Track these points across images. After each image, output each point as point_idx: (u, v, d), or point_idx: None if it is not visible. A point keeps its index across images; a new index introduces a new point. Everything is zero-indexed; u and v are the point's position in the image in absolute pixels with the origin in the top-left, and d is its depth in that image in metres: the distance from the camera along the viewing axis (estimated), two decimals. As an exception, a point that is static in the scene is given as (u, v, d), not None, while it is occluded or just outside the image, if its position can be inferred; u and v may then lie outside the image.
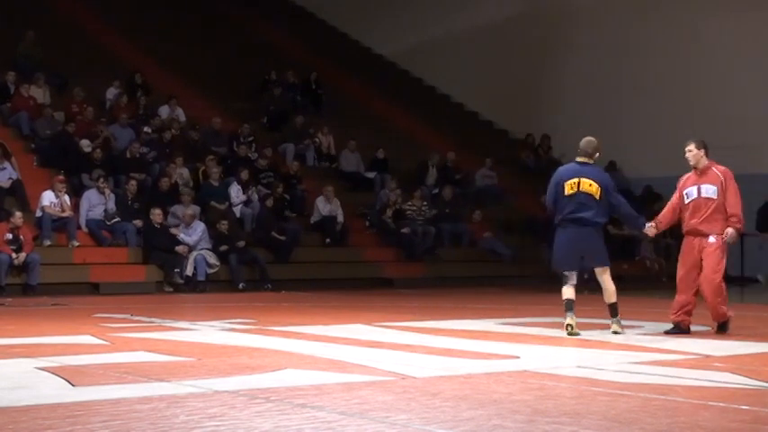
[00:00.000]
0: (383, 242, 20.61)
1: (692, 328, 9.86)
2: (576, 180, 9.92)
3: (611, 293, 9.99)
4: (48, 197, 17.11)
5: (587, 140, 10.21)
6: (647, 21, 25.28)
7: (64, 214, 17.16)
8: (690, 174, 10.14)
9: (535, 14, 27.50)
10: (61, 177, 17.59)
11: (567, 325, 9.72)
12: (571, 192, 9.90)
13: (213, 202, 18.95)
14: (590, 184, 9.92)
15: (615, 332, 9.82)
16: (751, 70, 23.52)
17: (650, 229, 10.33)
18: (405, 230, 20.31)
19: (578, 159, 10.08)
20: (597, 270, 10.15)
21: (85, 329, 10.07)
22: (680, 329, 9.77)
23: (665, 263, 22.40)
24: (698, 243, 9.88)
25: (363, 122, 25.39)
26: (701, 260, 9.83)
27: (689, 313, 9.86)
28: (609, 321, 10.03)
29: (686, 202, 10.02)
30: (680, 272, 10.06)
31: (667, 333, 9.78)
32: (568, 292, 9.93)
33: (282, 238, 18.81)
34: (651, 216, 27.00)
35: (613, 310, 9.98)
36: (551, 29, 27.13)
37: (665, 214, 10.26)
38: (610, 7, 26.21)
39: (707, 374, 7.01)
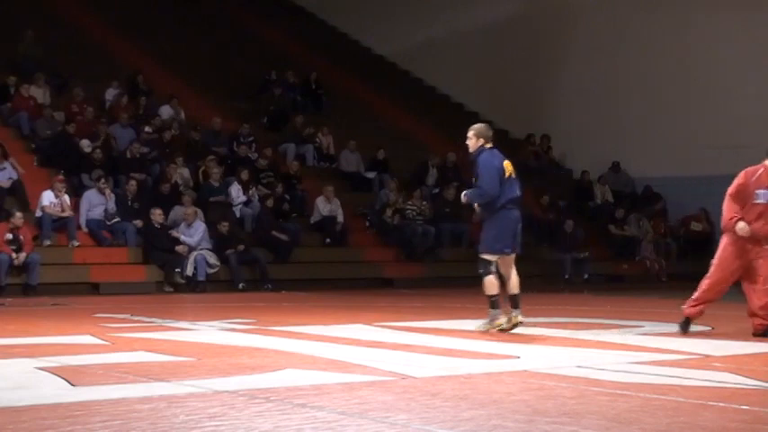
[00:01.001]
0: (383, 242, 20.61)
1: (692, 328, 9.84)
2: (506, 163, 9.93)
3: (516, 284, 9.84)
4: (47, 197, 17.11)
5: (486, 126, 10.16)
6: (648, 21, 25.28)
7: (64, 214, 17.16)
8: (761, 171, 9.36)
9: (535, 14, 27.50)
10: (61, 177, 17.60)
11: (500, 328, 9.50)
12: (508, 175, 9.90)
13: (213, 200, 18.97)
14: (510, 165, 10.01)
15: (519, 323, 9.68)
16: (751, 70, 23.52)
17: (743, 229, 9.23)
18: (402, 227, 20.33)
19: (489, 145, 9.94)
20: (512, 256, 9.93)
21: (85, 329, 10.07)
22: (688, 323, 9.58)
23: (664, 263, 22.44)
24: (752, 249, 9.35)
25: (363, 122, 25.39)
26: (745, 267, 9.38)
27: (702, 312, 9.67)
28: (513, 314, 9.74)
29: (755, 201, 9.32)
30: (718, 270, 9.44)
31: (681, 329, 9.59)
32: (496, 284, 9.72)
33: (284, 237, 18.79)
34: (652, 215, 26.80)
35: (515, 302, 9.76)
36: (551, 29, 27.13)
37: (737, 209, 9.33)
38: (610, 7, 26.21)
39: (707, 374, 7.00)
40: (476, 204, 10.09)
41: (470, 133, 10.02)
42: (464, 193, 10.10)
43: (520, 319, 9.77)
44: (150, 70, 23.86)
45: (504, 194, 9.86)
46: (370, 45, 30.64)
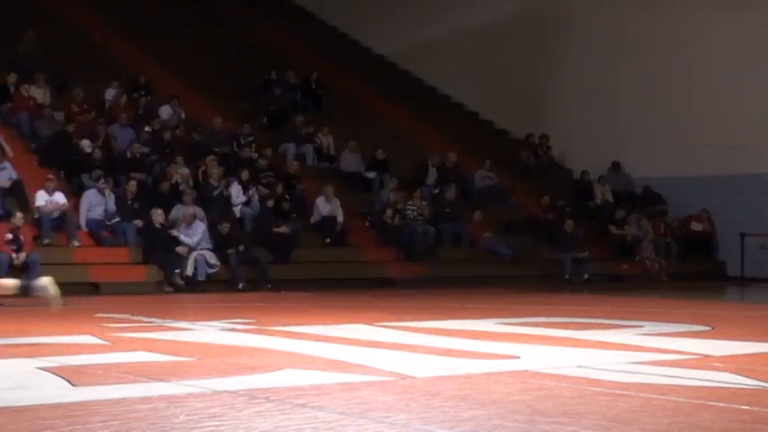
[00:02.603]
0: (383, 242, 20.61)
1: (692, 327, 9.84)
2: None
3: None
4: (42, 197, 17.13)
5: None
6: (648, 21, 25.29)
7: (63, 204, 17.11)
8: None
9: (535, 15, 27.50)
10: (49, 176, 17.56)
11: None
12: None
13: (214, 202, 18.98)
14: None
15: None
16: (751, 70, 23.52)
17: None
18: (402, 227, 20.31)
19: None
20: None
21: (85, 329, 10.07)
22: None
23: (665, 263, 22.44)
24: None
25: (363, 122, 25.39)
26: None
27: None
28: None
29: None
30: None
31: None
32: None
33: (285, 229, 18.76)
34: (652, 215, 26.88)
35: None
36: (551, 29, 27.14)
37: None
38: (610, 7, 26.22)
39: (707, 374, 7.00)
40: None
41: None
42: None
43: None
44: (150, 70, 23.86)
45: None
46: (370, 45, 30.64)
